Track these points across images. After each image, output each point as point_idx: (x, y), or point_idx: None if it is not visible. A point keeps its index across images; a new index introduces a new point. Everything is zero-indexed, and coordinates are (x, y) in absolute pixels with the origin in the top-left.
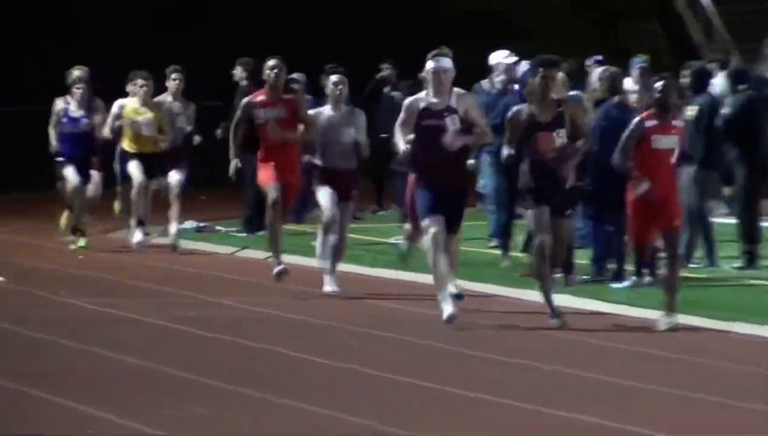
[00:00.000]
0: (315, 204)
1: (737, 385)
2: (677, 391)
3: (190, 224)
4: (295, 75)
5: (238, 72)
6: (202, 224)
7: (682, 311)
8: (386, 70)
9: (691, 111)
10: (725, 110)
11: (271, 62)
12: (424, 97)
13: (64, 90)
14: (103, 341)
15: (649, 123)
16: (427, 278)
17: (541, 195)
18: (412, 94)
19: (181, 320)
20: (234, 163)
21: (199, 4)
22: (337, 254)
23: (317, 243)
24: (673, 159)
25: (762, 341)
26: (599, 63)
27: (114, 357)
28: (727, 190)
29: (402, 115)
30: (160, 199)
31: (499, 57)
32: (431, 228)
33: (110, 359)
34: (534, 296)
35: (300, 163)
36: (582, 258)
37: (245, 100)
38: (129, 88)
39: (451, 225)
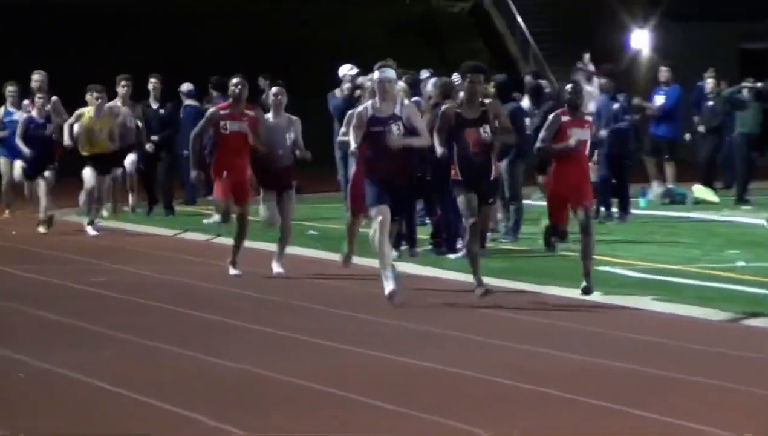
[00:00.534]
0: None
1: (532, 334)
2: (482, 338)
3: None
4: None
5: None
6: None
7: (504, 277)
8: (262, 81)
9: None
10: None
11: (235, 79)
12: (371, 105)
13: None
14: (16, 298)
15: (564, 118)
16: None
17: (469, 185)
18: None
19: (91, 283)
20: (195, 175)
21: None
22: (282, 239)
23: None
24: (586, 149)
25: (569, 301)
26: (432, 75)
27: (27, 311)
28: (540, 179)
29: (354, 121)
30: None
31: (345, 70)
32: (379, 216)
33: (23, 312)
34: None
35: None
36: (423, 234)
37: (211, 110)
38: (87, 97)
39: (395, 213)
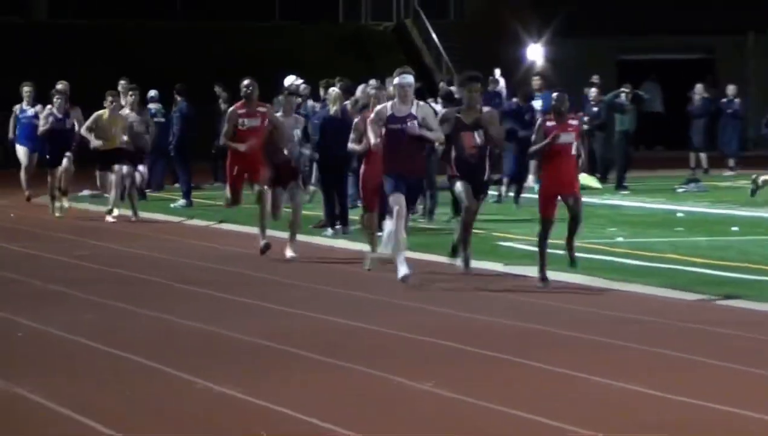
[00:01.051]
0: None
1: (447, 299)
2: (405, 302)
3: (86, 192)
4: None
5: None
6: (95, 192)
7: (419, 251)
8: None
9: None
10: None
11: (245, 81)
12: (391, 105)
13: None
14: (12, 269)
15: (549, 123)
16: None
17: (465, 179)
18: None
19: (77, 256)
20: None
21: None
22: (292, 227)
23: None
24: (573, 150)
25: (477, 270)
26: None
27: (22, 280)
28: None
29: (373, 116)
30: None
31: (290, 80)
32: (395, 205)
33: (18, 281)
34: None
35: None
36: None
37: (230, 110)
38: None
39: (409, 203)
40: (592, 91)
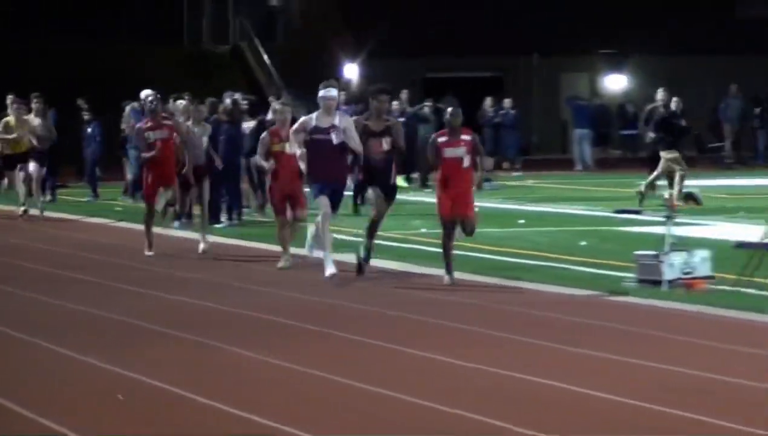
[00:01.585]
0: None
1: (282, 281)
2: (255, 286)
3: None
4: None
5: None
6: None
7: (255, 240)
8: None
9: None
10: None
11: (149, 96)
12: (315, 116)
13: None
14: None
15: (440, 139)
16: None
17: (372, 183)
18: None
19: None
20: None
21: None
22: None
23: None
24: (464, 164)
25: (312, 259)
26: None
27: None
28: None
29: (297, 125)
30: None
31: (145, 93)
32: (322, 207)
33: None
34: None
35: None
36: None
37: (137, 126)
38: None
39: (334, 207)
40: (395, 104)
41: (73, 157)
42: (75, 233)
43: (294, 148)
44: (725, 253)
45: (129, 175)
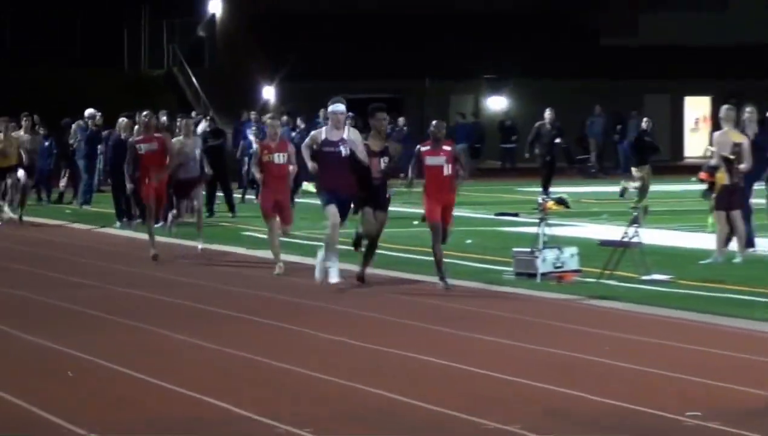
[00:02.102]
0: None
1: (208, 274)
2: (174, 276)
3: None
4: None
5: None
6: None
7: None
8: (36, 118)
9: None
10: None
11: (144, 112)
12: (325, 130)
13: None
14: None
15: (424, 148)
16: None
17: (370, 201)
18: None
19: None
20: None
21: None
22: (198, 222)
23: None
24: (445, 171)
25: (232, 255)
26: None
27: None
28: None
29: (308, 140)
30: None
31: (89, 112)
32: (331, 216)
33: None
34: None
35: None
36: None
37: (130, 139)
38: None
39: (342, 217)
40: (299, 120)
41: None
42: (43, 234)
43: (308, 163)
44: (591, 250)
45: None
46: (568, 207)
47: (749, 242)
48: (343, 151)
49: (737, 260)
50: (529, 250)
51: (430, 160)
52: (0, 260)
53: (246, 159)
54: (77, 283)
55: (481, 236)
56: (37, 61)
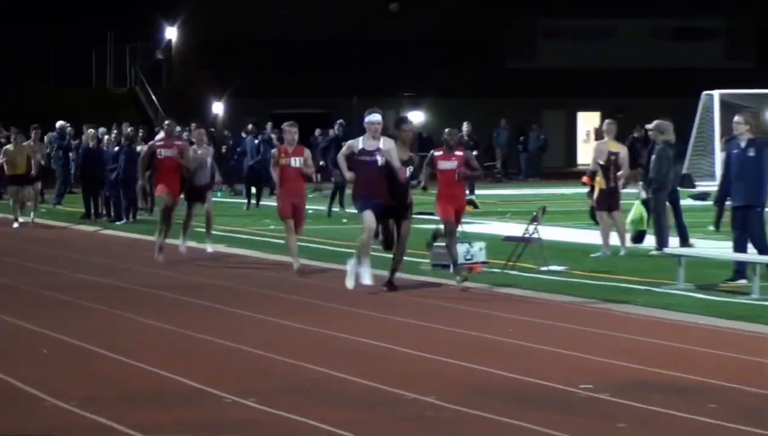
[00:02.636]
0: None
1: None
2: (128, 265)
3: None
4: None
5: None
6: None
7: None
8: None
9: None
10: None
11: (167, 120)
12: (362, 140)
13: None
14: None
15: (437, 153)
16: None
17: (396, 208)
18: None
19: None
20: (140, 185)
21: None
22: (207, 227)
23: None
24: (455, 176)
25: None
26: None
27: None
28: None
29: (344, 149)
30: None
31: (60, 123)
32: (367, 222)
33: None
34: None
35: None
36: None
37: (151, 142)
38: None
39: (379, 220)
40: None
41: None
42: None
43: (346, 174)
44: (496, 244)
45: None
46: (476, 207)
47: (684, 238)
48: (379, 160)
49: (621, 253)
50: (444, 244)
51: (442, 165)
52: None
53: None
54: (50, 272)
55: None
56: (16, 80)
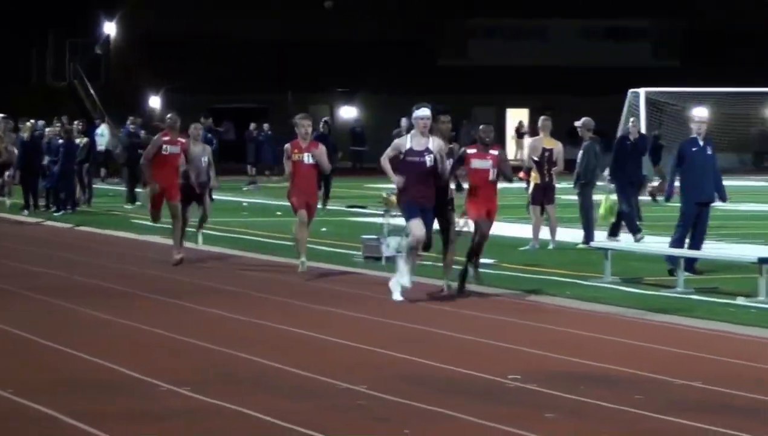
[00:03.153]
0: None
1: (119, 253)
2: (84, 258)
3: None
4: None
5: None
6: None
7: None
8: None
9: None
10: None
11: (170, 114)
12: (410, 138)
13: None
14: None
15: (470, 151)
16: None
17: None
18: None
19: None
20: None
21: None
22: (200, 223)
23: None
24: (490, 175)
25: (134, 241)
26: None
27: None
28: None
29: (389, 150)
30: None
31: (29, 124)
32: (415, 230)
33: None
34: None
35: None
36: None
37: (156, 136)
38: None
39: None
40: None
41: None
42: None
43: (393, 178)
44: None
45: None
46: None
47: (634, 228)
48: (428, 161)
49: (550, 247)
50: (375, 237)
51: (476, 164)
52: None
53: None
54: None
55: (335, 225)
56: None
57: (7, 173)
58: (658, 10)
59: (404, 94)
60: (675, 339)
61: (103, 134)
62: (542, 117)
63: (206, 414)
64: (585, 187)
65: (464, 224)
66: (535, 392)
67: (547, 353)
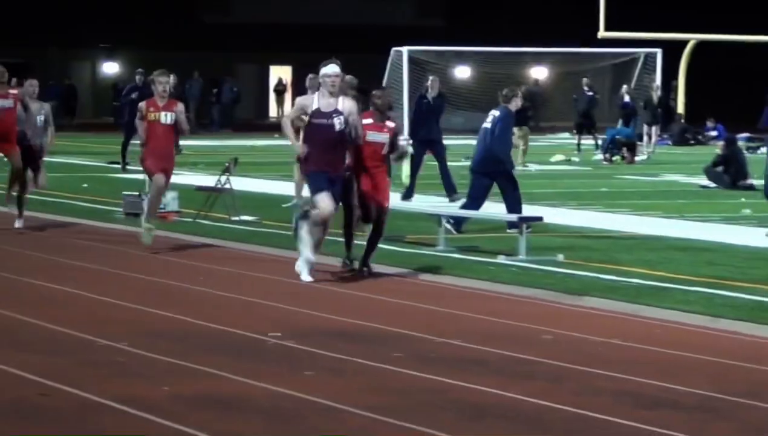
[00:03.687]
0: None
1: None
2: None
3: None
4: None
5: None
6: None
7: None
8: None
9: None
10: None
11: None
12: (317, 98)
13: None
14: None
15: (365, 121)
16: None
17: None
18: None
19: None
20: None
21: None
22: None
23: None
24: (384, 149)
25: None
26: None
27: None
28: None
29: (292, 111)
30: None
31: None
32: (324, 207)
33: None
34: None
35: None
36: None
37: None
38: None
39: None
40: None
41: None
42: None
43: (295, 145)
44: (189, 194)
45: None
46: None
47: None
48: (337, 124)
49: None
50: (136, 193)
51: (372, 137)
52: None
53: None
54: None
55: (95, 181)
56: None
57: None
58: None
59: (167, 51)
60: (435, 297)
61: None
62: (310, 75)
63: None
64: None
65: (226, 182)
66: (294, 349)
67: (305, 310)
